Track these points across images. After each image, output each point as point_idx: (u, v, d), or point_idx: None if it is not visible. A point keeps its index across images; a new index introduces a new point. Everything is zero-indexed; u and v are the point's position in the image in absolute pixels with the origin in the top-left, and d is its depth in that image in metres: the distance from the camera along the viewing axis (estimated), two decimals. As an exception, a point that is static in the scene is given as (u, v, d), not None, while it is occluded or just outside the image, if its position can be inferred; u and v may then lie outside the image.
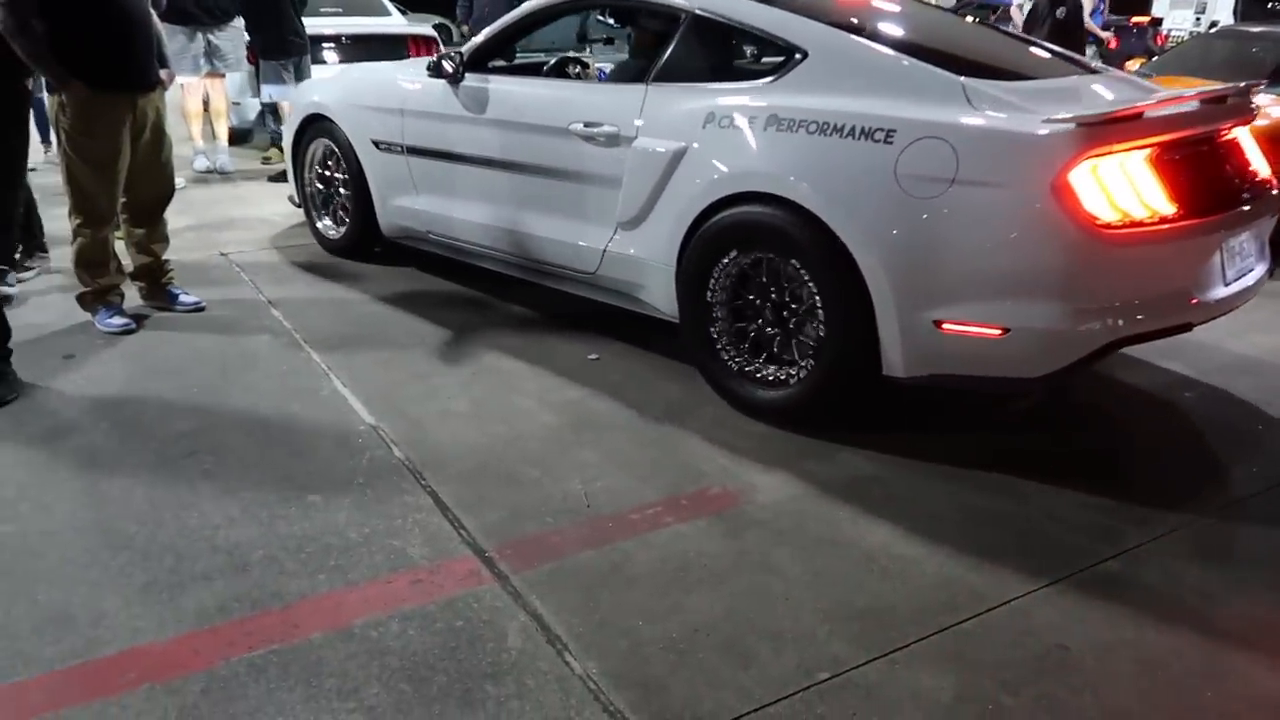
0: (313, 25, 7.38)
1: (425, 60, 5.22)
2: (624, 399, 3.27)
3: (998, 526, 2.54)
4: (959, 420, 3.19)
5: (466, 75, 3.94)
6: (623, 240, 3.41)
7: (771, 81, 3.09)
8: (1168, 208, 2.58)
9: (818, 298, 2.87)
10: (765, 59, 3.65)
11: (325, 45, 7.87)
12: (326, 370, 3.47)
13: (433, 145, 4.11)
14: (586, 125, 3.44)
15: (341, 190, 4.71)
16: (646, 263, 3.34)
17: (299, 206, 5.07)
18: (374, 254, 4.75)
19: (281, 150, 7.20)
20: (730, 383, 3.16)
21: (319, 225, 4.92)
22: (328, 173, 4.78)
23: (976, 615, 2.18)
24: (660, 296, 3.35)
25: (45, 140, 6.55)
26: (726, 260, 3.07)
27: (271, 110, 7.37)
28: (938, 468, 2.82)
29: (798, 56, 3.07)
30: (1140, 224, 2.53)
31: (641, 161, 3.27)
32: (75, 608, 2.15)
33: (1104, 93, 3.07)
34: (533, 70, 4.56)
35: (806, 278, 2.89)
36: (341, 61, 7.88)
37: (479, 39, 4.09)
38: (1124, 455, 3.02)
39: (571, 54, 4.98)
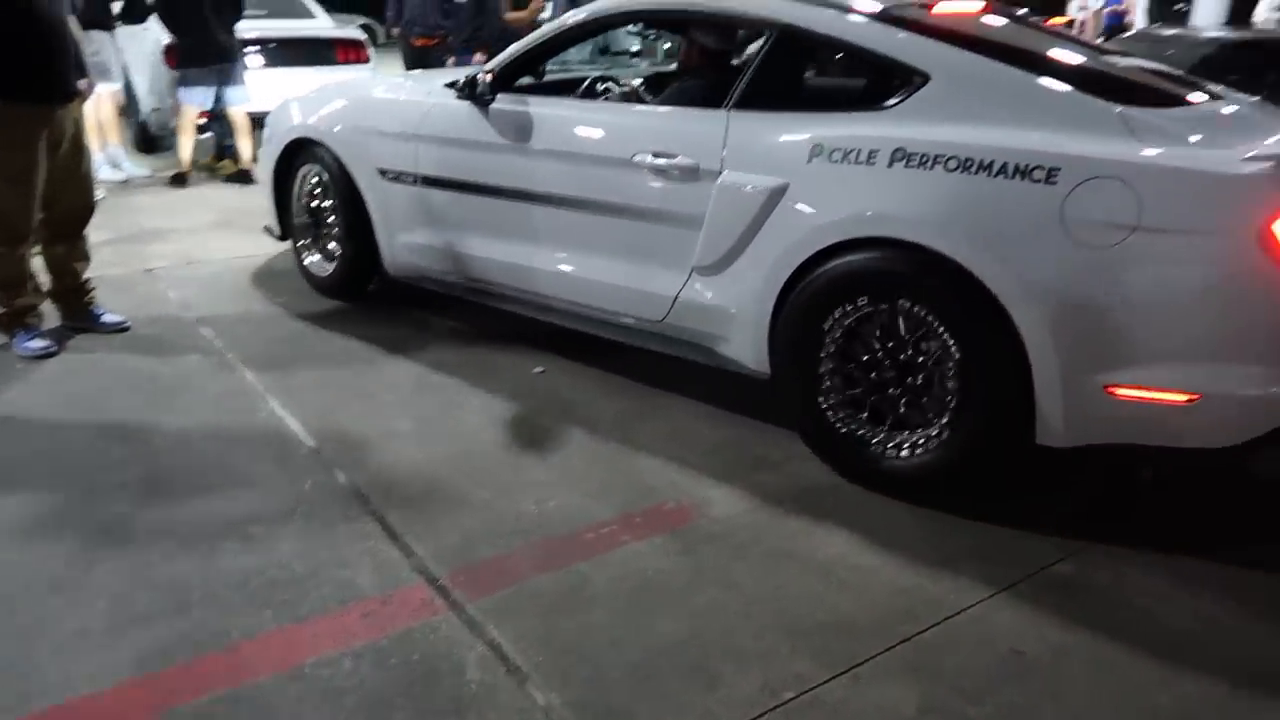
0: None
1: (435, 74, 4.91)
2: (572, 414, 3.22)
3: (951, 532, 2.56)
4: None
5: (498, 96, 3.49)
6: (700, 286, 3.02)
7: (890, 109, 2.73)
8: None
9: (960, 358, 2.51)
10: (874, 83, 3.21)
11: (247, 50, 7.63)
12: (262, 391, 3.36)
13: (456, 176, 3.62)
14: (656, 157, 3.01)
15: (332, 223, 4.19)
16: (730, 312, 2.96)
17: (280, 239, 4.55)
18: (367, 293, 4.29)
19: (232, 160, 7.05)
20: (844, 450, 2.79)
21: (306, 262, 4.38)
22: (317, 203, 4.25)
23: (936, 624, 2.19)
24: (745, 350, 2.96)
25: None
26: (840, 313, 2.69)
27: (219, 119, 7.09)
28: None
29: (917, 80, 2.70)
30: None
31: (729, 199, 2.88)
32: (1, 660, 2.03)
33: (1265, 120, 2.74)
34: (565, 89, 3.95)
35: (946, 336, 2.53)
36: (265, 67, 7.67)
37: (507, 54, 3.58)
38: (1071, 459, 3.07)
39: (602, 72, 4.32)
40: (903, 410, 2.69)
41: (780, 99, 2.99)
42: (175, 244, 5.25)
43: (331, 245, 4.25)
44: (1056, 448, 2.49)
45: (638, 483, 2.80)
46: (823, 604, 2.26)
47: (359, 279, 4.21)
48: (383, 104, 4.04)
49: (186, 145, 6.77)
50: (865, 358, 2.73)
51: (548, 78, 4.06)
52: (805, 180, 2.75)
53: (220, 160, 7.30)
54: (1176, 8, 15.52)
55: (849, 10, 2.96)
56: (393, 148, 3.78)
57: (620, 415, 3.21)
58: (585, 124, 3.32)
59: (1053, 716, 1.93)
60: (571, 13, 3.53)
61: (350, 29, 8.52)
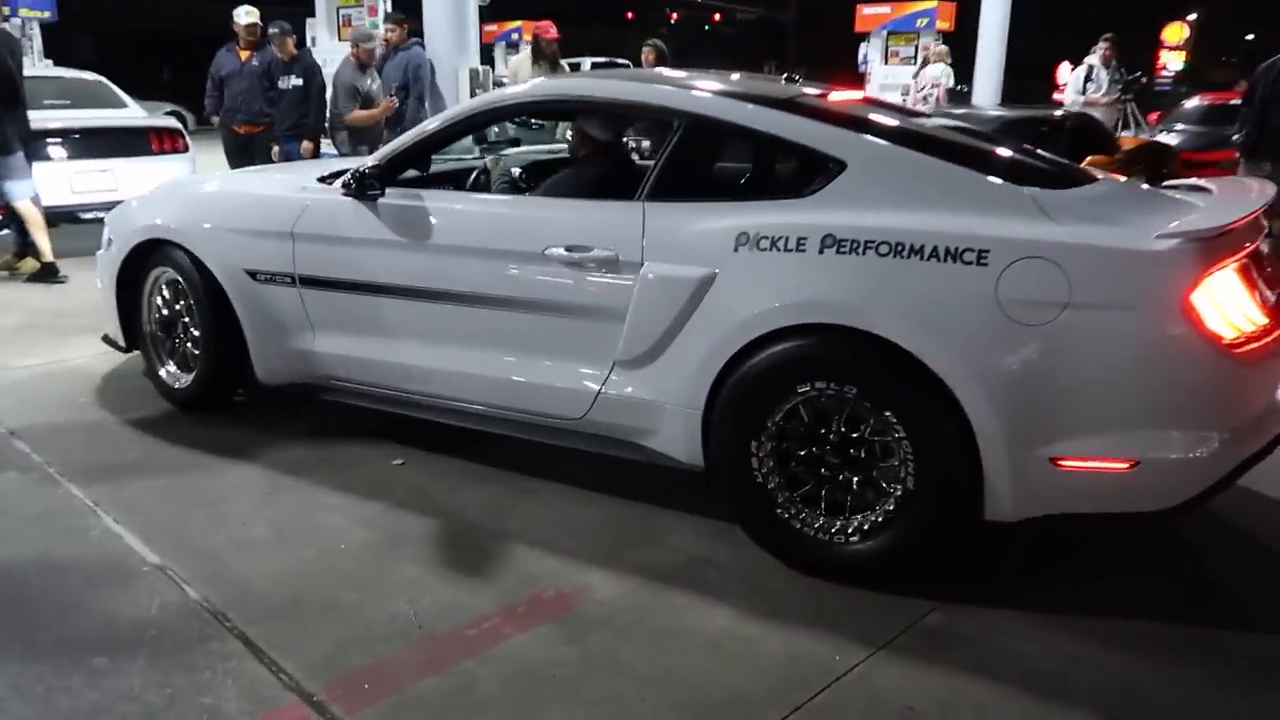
0: (37, 119, 6.71)
1: (297, 167, 4.75)
2: (437, 505, 3.12)
3: (825, 592, 2.62)
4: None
5: (386, 191, 3.31)
6: (623, 380, 2.94)
7: (810, 196, 2.75)
8: (1262, 318, 2.47)
9: (906, 441, 2.51)
10: (791, 171, 3.25)
11: (51, 141, 7.17)
12: (93, 506, 3.08)
13: (342, 275, 3.39)
14: (570, 250, 2.93)
15: (189, 329, 3.84)
16: (658, 406, 2.89)
17: (125, 351, 4.14)
18: (233, 403, 3.96)
19: (34, 258, 6.49)
20: (789, 541, 2.73)
21: (161, 373, 3.97)
22: (169, 310, 3.89)
23: (826, 687, 2.23)
24: (676, 444, 2.89)
25: None
26: (778, 400, 2.66)
27: (14, 216, 6.53)
28: (761, 556, 2.88)
29: (833, 167, 2.74)
30: (1253, 338, 2.42)
31: (654, 290, 2.82)
32: None
33: (1153, 199, 2.84)
34: (450, 180, 3.89)
35: (891, 418, 2.53)
36: (70, 158, 7.23)
37: (392, 148, 3.45)
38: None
39: (484, 161, 4.10)
40: (850, 496, 2.67)
41: (695, 188, 3.01)
42: (-25, 350, 4.79)
43: (188, 353, 3.89)
44: (1003, 522, 2.53)
45: (516, 571, 2.73)
46: (716, 680, 2.26)
47: (222, 388, 3.87)
48: (248, 201, 3.76)
49: None
50: (806, 445, 2.70)
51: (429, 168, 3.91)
52: (734, 269, 2.72)
53: (21, 259, 6.75)
54: (960, 89, 17.11)
55: (756, 100, 3.00)
56: (264, 247, 3.52)
57: (489, 503, 3.14)
58: (488, 218, 3.23)
59: (947, 768, 1.98)
60: (462, 104, 3.44)
61: (163, 118, 8.17)
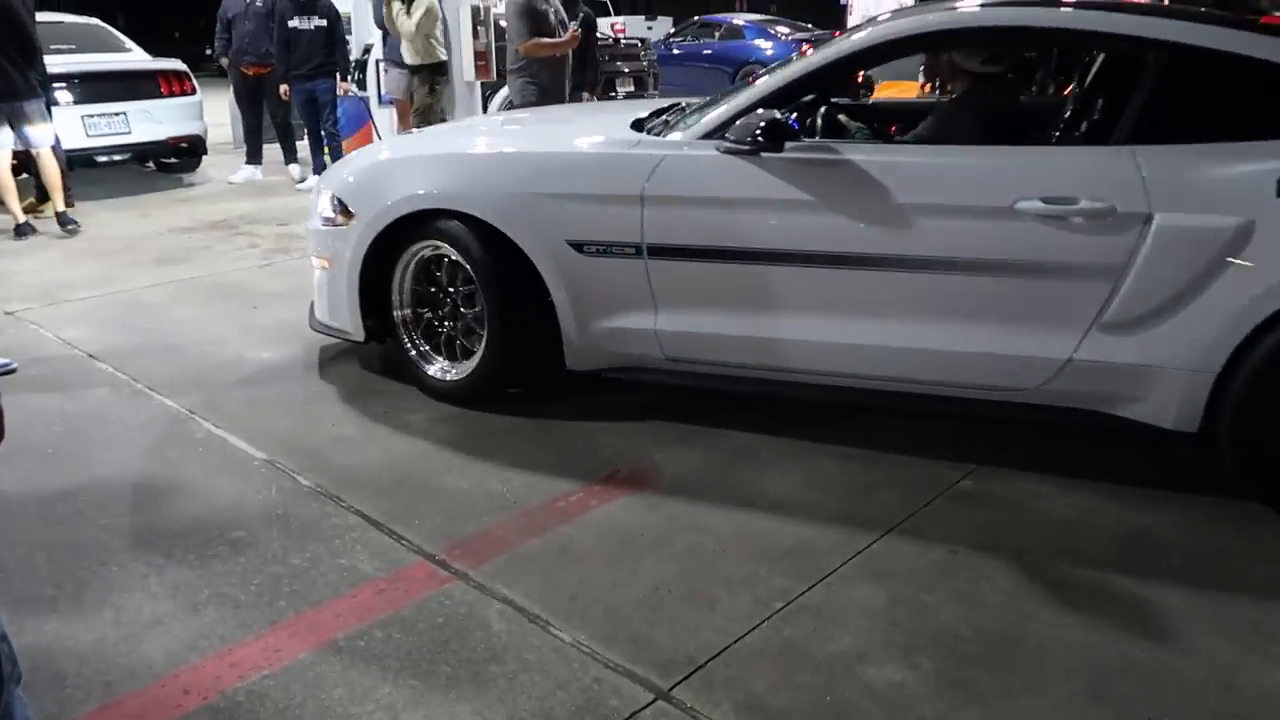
0: (48, 64, 6.80)
1: (585, 112, 4.51)
2: (506, 404, 3.40)
3: (867, 469, 2.95)
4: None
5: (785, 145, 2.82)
6: (1106, 344, 2.66)
7: None
8: None
9: None
10: None
11: (58, 85, 7.26)
12: (190, 414, 3.36)
13: (711, 243, 2.96)
14: (1049, 202, 2.61)
15: (462, 313, 3.39)
16: (1152, 370, 2.63)
17: (361, 343, 3.58)
18: (507, 396, 3.42)
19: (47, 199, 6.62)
20: None
21: (425, 366, 3.49)
22: (438, 291, 3.42)
23: (879, 539, 2.56)
24: (1167, 409, 2.64)
25: None
26: None
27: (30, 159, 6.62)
28: (800, 441, 3.21)
29: None
30: None
31: (1168, 246, 2.54)
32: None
33: None
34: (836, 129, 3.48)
35: None
36: (77, 102, 7.33)
37: (771, 88, 2.98)
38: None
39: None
40: None
41: (1197, 129, 2.67)
42: (28, 285, 5.00)
43: (458, 341, 3.44)
44: None
45: (590, 456, 3.04)
46: (784, 533, 2.59)
47: (509, 377, 3.40)
48: (571, 160, 3.24)
49: (8, 196, 6.31)
50: None
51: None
52: (1276, 217, 2.47)
53: (43, 202, 6.90)
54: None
55: (1247, 29, 2.71)
56: (600, 214, 3.05)
57: (548, 398, 3.43)
58: (937, 171, 2.81)
59: (990, 593, 2.33)
60: (856, 37, 3.00)
61: (169, 60, 8.24)
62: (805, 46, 9.08)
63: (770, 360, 3.05)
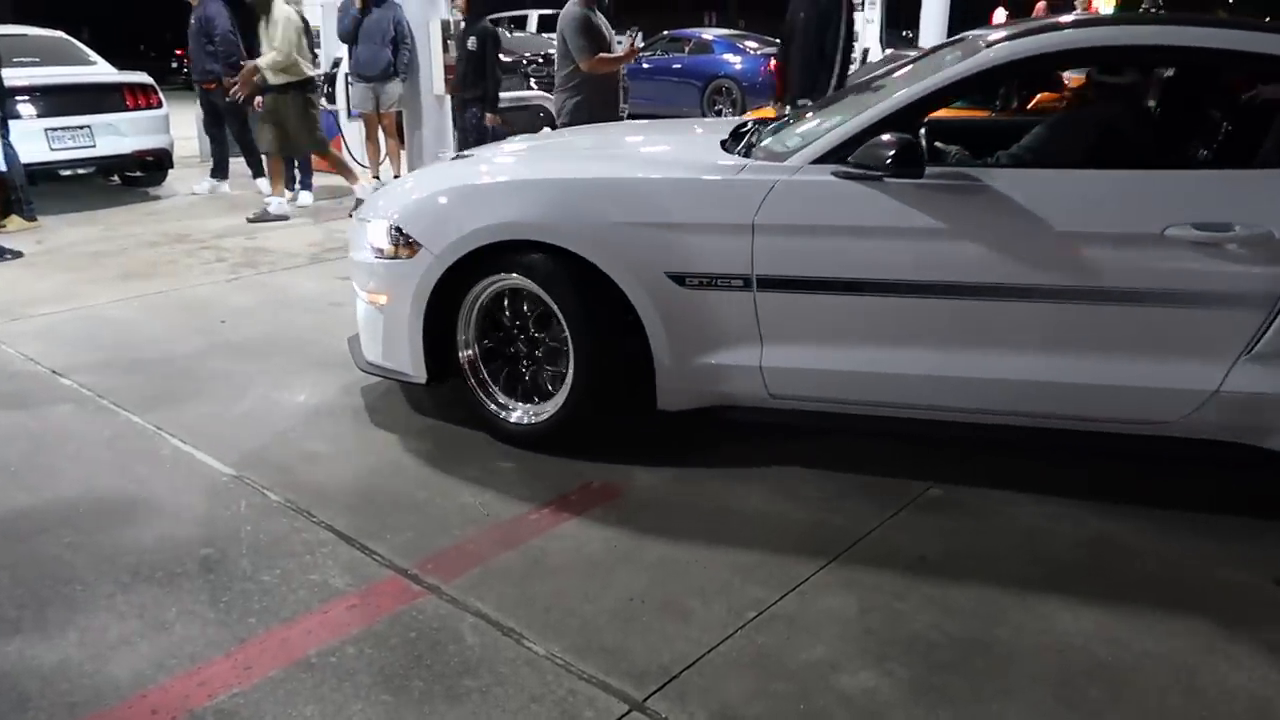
0: (9, 77, 6.73)
1: (667, 131, 4.03)
2: (475, 421, 3.40)
3: (835, 480, 2.98)
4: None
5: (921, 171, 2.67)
6: (1257, 375, 2.57)
7: None
8: None
9: None
10: None
11: (20, 98, 7.18)
12: (157, 430, 3.32)
13: (829, 274, 2.78)
14: (1201, 229, 2.53)
15: (537, 352, 3.20)
16: None
17: (423, 385, 3.28)
18: (591, 440, 3.19)
19: (22, 216, 6.53)
20: None
21: (496, 408, 3.24)
22: (509, 329, 3.22)
23: (849, 547, 2.58)
24: None
25: None
26: None
27: None
28: (768, 452, 3.24)
29: None
30: None
31: None
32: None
33: None
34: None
35: None
36: (40, 116, 7.24)
37: (893, 108, 2.77)
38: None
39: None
40: None
41: None
42: (-11, 302, 4.93)
43: (536, 382, 3.23)
44: None
45: (562, 469, 3.03)
46: (755, 543, 2.60)
47: (594, 418, 3.15)
48: (666, 187, 2.96)
49: None
50: None
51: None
52: None
53: (5, 216, 6.80)
54: (905, 34, 17.40)
55: None
56: (705, 243, 2.86)
57: (524, 416, 3.42)
58: (1081, 197, 2.68)
59: (961, 600, 2.35)
60: (987, 53, 2.81)
61: (135, 74, 8.16)
62: (772, 63, 9.12)
63: (892, 397, 2.89)
